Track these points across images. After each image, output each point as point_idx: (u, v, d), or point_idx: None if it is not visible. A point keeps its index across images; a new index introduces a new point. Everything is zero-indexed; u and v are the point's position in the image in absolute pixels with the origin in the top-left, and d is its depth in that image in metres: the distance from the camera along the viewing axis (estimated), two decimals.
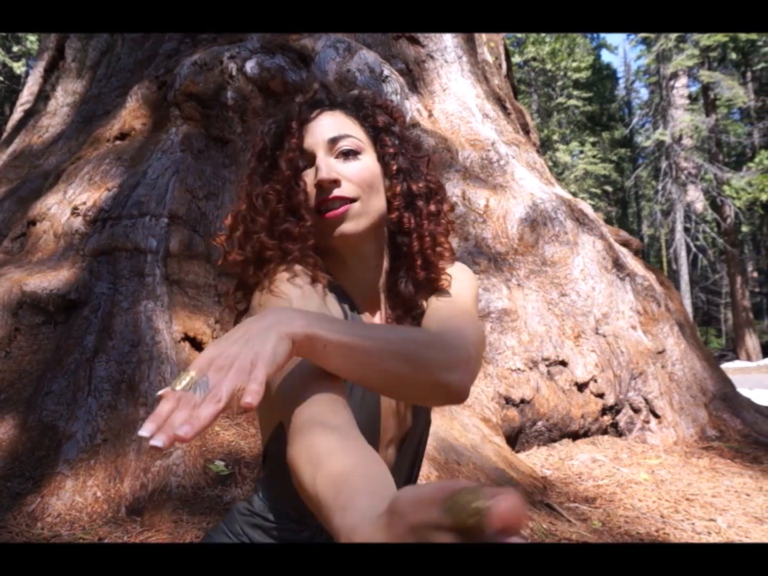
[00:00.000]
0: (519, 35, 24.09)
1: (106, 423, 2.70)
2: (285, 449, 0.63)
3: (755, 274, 26.35)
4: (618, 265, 4.55)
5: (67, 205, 3.81)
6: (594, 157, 24.01)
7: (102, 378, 2.86)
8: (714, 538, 2.61)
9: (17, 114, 6.13)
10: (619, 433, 4.00)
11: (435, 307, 0.92)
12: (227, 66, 3.90)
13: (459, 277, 0.96)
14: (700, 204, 20.76)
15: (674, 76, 20.63)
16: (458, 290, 0.94)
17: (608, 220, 21.18)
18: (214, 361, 0.60)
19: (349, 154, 0.87)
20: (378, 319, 0.93)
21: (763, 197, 16.95)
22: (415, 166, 0.93)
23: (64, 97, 5.79)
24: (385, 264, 0.93)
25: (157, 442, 0.52)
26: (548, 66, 24.10)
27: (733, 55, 19.95)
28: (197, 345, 3.13)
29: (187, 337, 3.14)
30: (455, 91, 5.21)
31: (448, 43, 5.37)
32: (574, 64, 23.94)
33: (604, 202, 25.67)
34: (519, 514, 0.34)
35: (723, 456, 3.70)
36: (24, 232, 3.98)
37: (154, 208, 3.50)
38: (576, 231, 4.54)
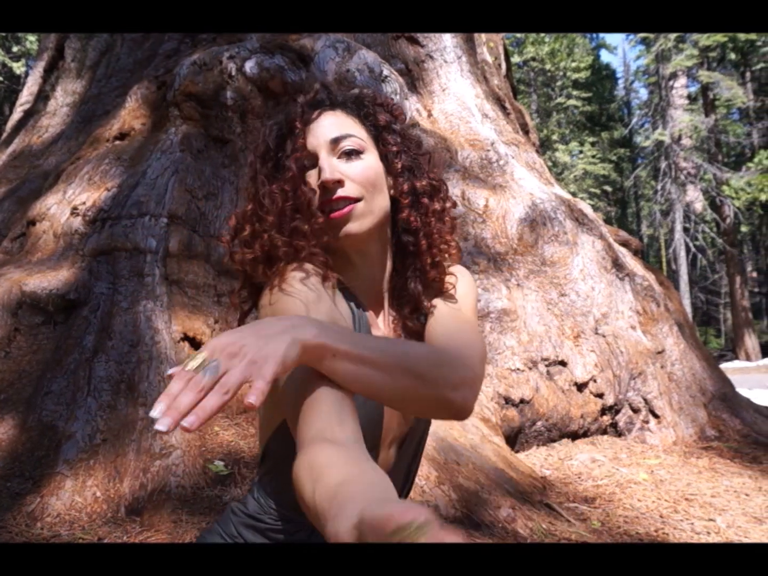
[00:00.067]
0: (518, 35, 24.10)
1: (105, 423, 2.70)
2: (285, 448, 0.63)
3: (754, 274, 26.37)
4: (617, 265, 4.55)
5: (66, 205, 3.80)
6: (593, 157, 24.02)
7: (101, 378, 2.86)
8: (713, 538, 2.61)
9: (17, 114, 6.13)
10: (619, 433, 4.00)
11: (440, 314, 0.92)
12: (227, 66, 3.90)
13: (461, 281, 0.96)
14: (699, 204, 20.77)
15: (673, 76, 20.63)
16: (461, 297, 0.95)
17: (607, 220, 21.20)
18: (227, 348, 0.61)
19: (352, 154, 0.87)
20: (382, 318, 0.93)
21: (763, 197, 16.95)
22: (417, 164, 0.93)
23: (63, 97, 5.78)
24: (389, 263, 0.93)
25: (161, 427, 0.54)
26: (547, 66, 24.11)
27: (733, 56, 19.95)
28: (196, 345, 3.13)
29: (186, 337, 3.14)
30: (454, 91, 5.21)
31: (447, 43, 5.37)
32: (574, 64, 23.94)
33: (604, 202, 25.68)
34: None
35: (722, 456, 3.70)
36: (23, 232, 3.98)
37: (153, 208, 3.50)
38: (575, 231, 4.54)
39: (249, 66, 3.89)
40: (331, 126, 0.88)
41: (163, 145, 3.83)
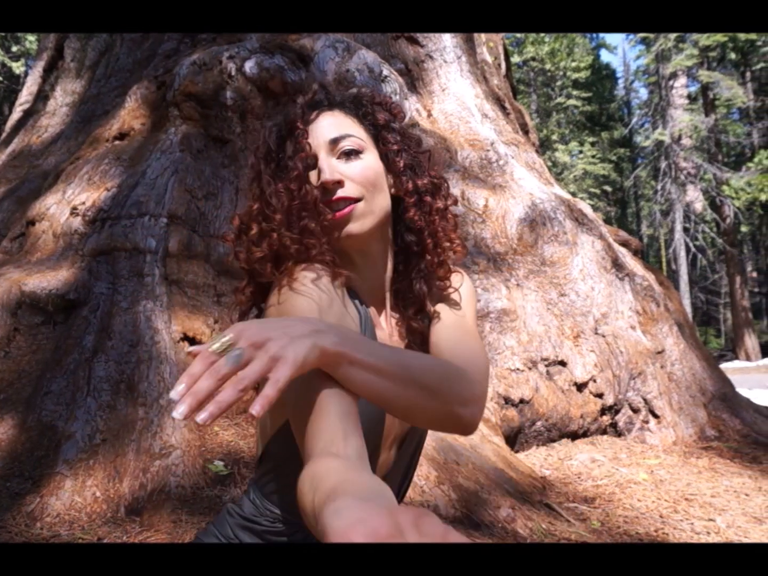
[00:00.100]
0: (518, 35, 24.10)
1: (105, 423, 2.70)
2: (287, 450, 0.63)
3: (754, 274, 26.37)
4: (617, 265, 4.55)
5: (66, 205, 3.80)
6: (593, 157, 24.02)
7: (101, 378, 2.85)
8: (713, 538, 2.61)
9: (16, 114, 6.13)
10: (618, 433, 4.00)
11: (446, 323, 0.92)
12: (226, 66, 3.90)
13: (464, 285, 0.96)
14: (699, 204, 20.78)
15: (673, 76, 20.64)
16: (464, 302, 0.95)
17: (607, 220, 21.20)
18: (253, 337, 0.62)
19: (351, 154, 0.87)
20: (384, 317, 0.93)
21: (763, 197, 16.95)
22: (418, 162, 0.93)
23: (63, 97, 5.78)
24: (391, 263, 0.93)
25: (177, 414, 0.56)
26: (547, 66, 24.11)
27: (733, 55, 19.95)
28: (196, 345, 3.13)
29: (186, 337, 3.14)
30: (454, 91, 5.21)
31: (447, 43, 5.37)
32: (574, 64, 23.94)
33: (603, 202, 25.68)
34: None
35: (722, 456, 3.70)
36: (23, 232, 3.97)
37: (153, 208, 3.50)
38: (575, 231, 4.54)
39: (249, 66, 3.89)
40: (329, 126, 0.88)
41: (163, 145, 3.83)
